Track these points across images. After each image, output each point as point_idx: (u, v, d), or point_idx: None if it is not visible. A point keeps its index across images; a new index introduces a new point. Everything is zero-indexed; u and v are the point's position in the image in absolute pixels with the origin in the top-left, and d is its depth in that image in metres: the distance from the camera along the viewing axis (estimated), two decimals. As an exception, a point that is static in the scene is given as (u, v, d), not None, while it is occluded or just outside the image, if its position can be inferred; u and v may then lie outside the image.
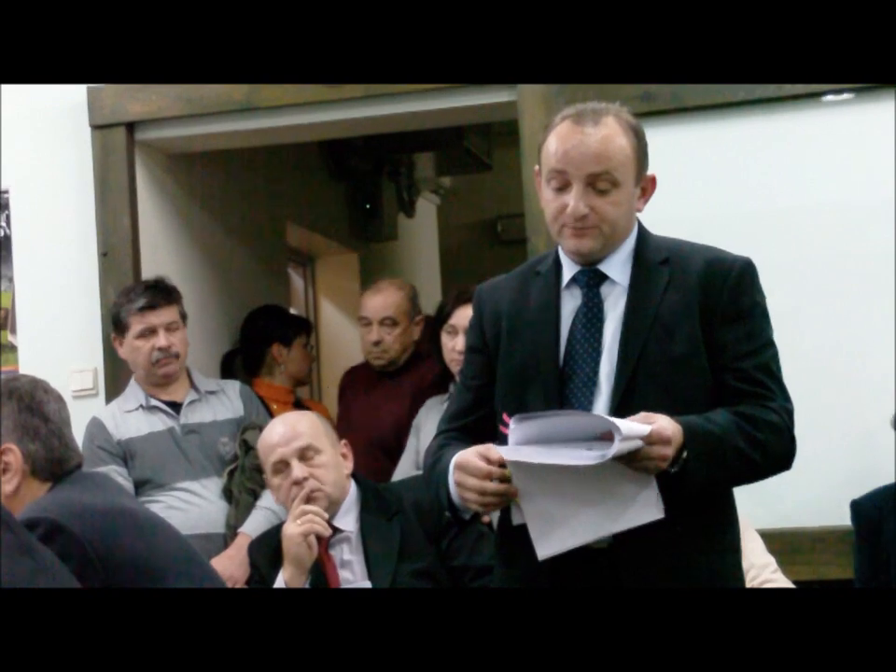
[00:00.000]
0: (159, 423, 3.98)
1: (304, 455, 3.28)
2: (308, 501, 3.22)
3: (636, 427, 2.26)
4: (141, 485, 3.88)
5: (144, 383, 4.02)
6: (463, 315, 3.86)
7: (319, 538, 3.18)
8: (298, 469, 3.26)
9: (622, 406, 2.40)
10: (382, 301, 4.46)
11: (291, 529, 3.16)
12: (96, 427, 3.93)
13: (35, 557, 2.03)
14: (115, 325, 4.01)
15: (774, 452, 2.43)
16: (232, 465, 3.97)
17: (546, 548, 2.34)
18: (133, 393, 4.03)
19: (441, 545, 3.23)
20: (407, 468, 4.12)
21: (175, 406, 4.02)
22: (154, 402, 4.00)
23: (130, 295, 4.02)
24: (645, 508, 2.33)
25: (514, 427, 2.31)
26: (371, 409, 4.49)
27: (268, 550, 3.31)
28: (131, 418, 3.97)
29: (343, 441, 3.41)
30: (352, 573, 3.23)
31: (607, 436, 2.26)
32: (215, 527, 3.89)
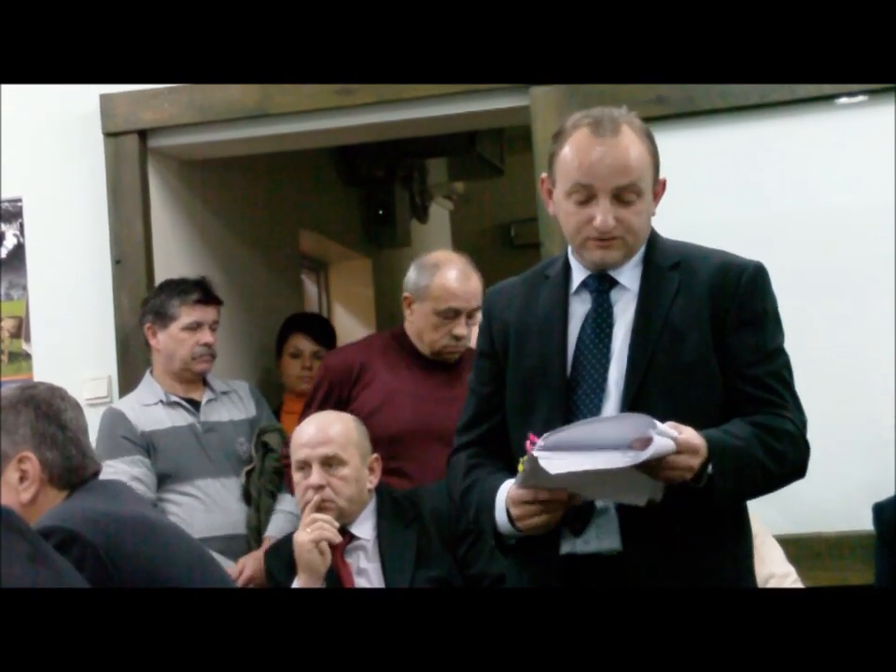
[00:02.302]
0: (179, 418, 4.00)
1: (328, 462, 3.27)
2: (318, 510, 3.22)
3: (668, 429, 2.25)
4: (162, 479, 3.89)
5: (170, 377, 4.03)
6: None
7: (332, 544, 3.17)
8: (317, 476, 3.25)
9: (631, 412, 2.38)
10: (474, 287, 3.73)
11: (302, 537, 3.16)
12: (116, 416, 3.93)
13: (51, 566, 2.03)
14: (156, 314, 4.02)
15: (792, 462, 2.43)
16: (249, 466, 3.98)
17: (552, 466, 2.28)
18: (150, 388, 4.03)
19: (457, 553, 3.22)
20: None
21: (193, 403, 4.04)
22: (174, 398, 4.01)
23: (180, 287, 4.05)
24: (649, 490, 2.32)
25: (543, 443, 2.29)
26: (433, 400, 3.72)
27: (283, 557, 3.30)
28: (151, 412, 3.98)
29: (375, 456, 3.38)
30: (368, 581, 3.23)
31: (636, 445, 2.25)
32: (236, 529, 3.91)
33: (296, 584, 3.18)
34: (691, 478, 2.30)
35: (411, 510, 3.30)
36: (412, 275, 3.81)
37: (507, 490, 2.43)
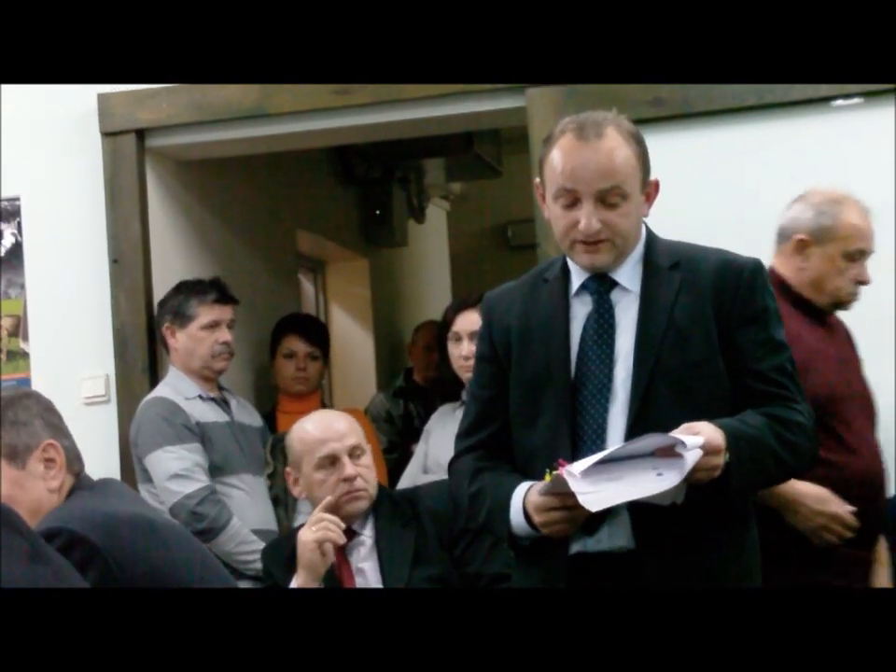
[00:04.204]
0: (218, 415, 4.09)
1: (353, 452, 3.29)
2: (352, 501, 3.24)
3: (690, 438, 2.28)
4: (212, 470, 3.97)
5: (189, 376, 4.09)
6: (464, 322, 3.86)
7: (335, 545, 3.18)
8: (350, 467, 3.26)
9: (639, 412, 2.41)
10: (872, 227, 3.41)
11: (306, 535, 3.15)
12: (172, 405, 3.99)
13: (50, 565, 2.03)
14: (175, 314, 4.10)
15: (802, 453, 2.46)
16: (268, 470, 4.13)
17: (595, 503, 2.29)
18: (185, 383, 4.09)
19: (454, 552, 3.22)
20: (415, 472, 4.12)
21: (223, 402, 4.15)
22: (210, 394, 4.10)
23: (197, 287, 4.13)
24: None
25: (577, 474, 2.30)
26: (847, 360, 3.46)
27: (282, 555, 3.30)
28: (195, 405, 4.04)
29: (370, 447, 3.40)
30: (365, 579, 3.23)
31: (659, 452, 2.28)
32: (270, 524, 4.03)
33: (295, 582, 3.18)
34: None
35: (408, 509, 3.30)
36: (807, 214, 3.40)
37: (523, 492, 2.45)
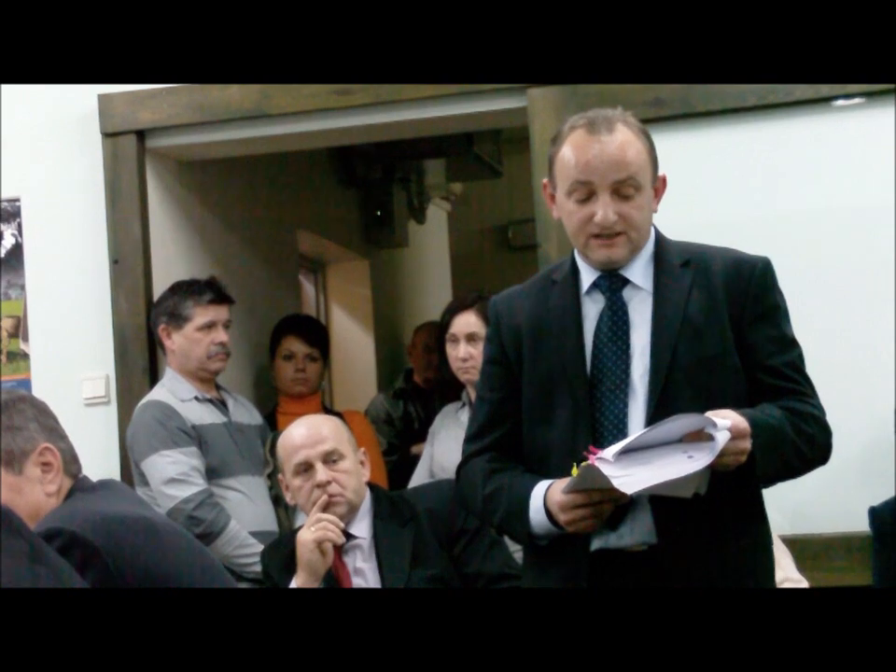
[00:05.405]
0: (214, 416, 4.07)
1: (328, 458, 3.28)
2: (329, 506, 3.22)
3: (720, 420, 2.28)
4: (209, 473, 3.96)
5: (186, 377, 4.08)
6: (461, 324, 3.87)
7: (334, 545, 3.18)
8: (322, 473, 3.25)
9: (658, 407, 2.42)
10: None
11: (306, 536, 3.16)
12: (167, 409, 3.97)
13: (50, 566, 2.03)
14: (171, 316, 4.09)
15: (820, 445, 2.48)
16: (268, 469, 4.11)
17: (630, 486, 2.29)
18: (182, 385, 4.08)
19: (453, 552, 3.22)
20: (422, 475, 4.11)
21: (220, 403, 4.13)
22: (206, 396, 4.09)
23: (192, 288, 4.12)
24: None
25: (609, 457, 2.30)
26: None
27: (281, 556, 3.31)
28: (191, 407, 4.03)
29: (363, 450, 3.40)
30: (365, 580, 3.23)
31: (687, 438, 2.29)
32: (270, 525, 4.02)
33: (294, 583, 3.18)
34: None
35: (406, 509, 3.30)
36: None
37: (543, 491, 2.45)
